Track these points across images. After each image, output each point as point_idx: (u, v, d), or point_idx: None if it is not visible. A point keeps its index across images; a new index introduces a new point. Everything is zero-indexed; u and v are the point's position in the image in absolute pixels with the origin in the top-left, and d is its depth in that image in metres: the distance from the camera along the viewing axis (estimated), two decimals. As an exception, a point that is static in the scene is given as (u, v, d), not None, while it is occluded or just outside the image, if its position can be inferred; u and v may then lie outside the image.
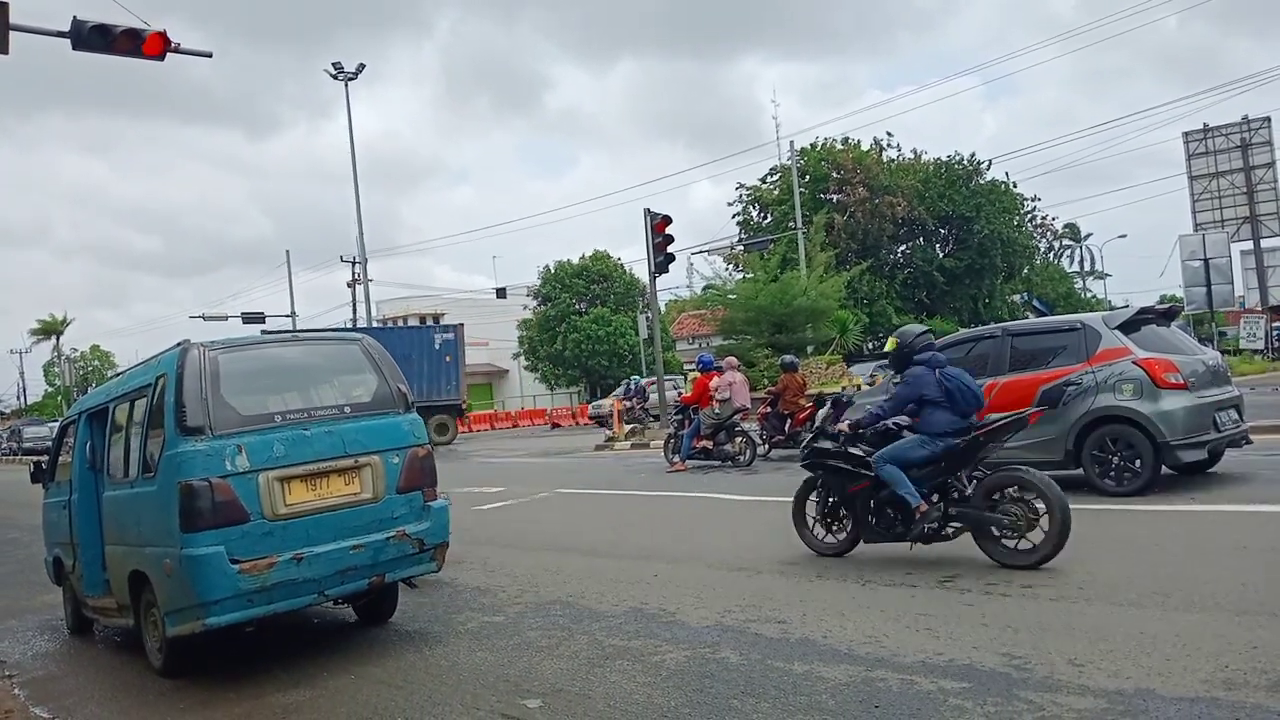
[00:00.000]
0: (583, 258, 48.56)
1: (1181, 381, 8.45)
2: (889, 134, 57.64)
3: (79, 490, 7.09)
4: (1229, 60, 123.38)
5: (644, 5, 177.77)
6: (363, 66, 39.18)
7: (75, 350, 79.91)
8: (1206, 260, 23.03)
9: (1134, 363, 8.50)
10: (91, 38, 10.69)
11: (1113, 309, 18.93)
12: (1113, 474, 8.48)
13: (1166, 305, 10.20)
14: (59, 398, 71.17)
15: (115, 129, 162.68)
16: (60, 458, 7.97)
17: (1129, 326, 8.93)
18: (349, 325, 43.70)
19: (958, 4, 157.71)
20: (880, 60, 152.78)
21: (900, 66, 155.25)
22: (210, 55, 12.18)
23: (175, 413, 5.40)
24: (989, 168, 54.35)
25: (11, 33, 10.13)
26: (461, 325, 30.59)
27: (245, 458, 5.38)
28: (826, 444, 7.12)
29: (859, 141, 54.04)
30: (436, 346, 28.68)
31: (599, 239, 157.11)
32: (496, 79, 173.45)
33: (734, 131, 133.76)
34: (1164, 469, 8.53)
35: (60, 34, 10.65)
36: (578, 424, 38.78)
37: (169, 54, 11.13)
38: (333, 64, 38.83)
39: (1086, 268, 70.95)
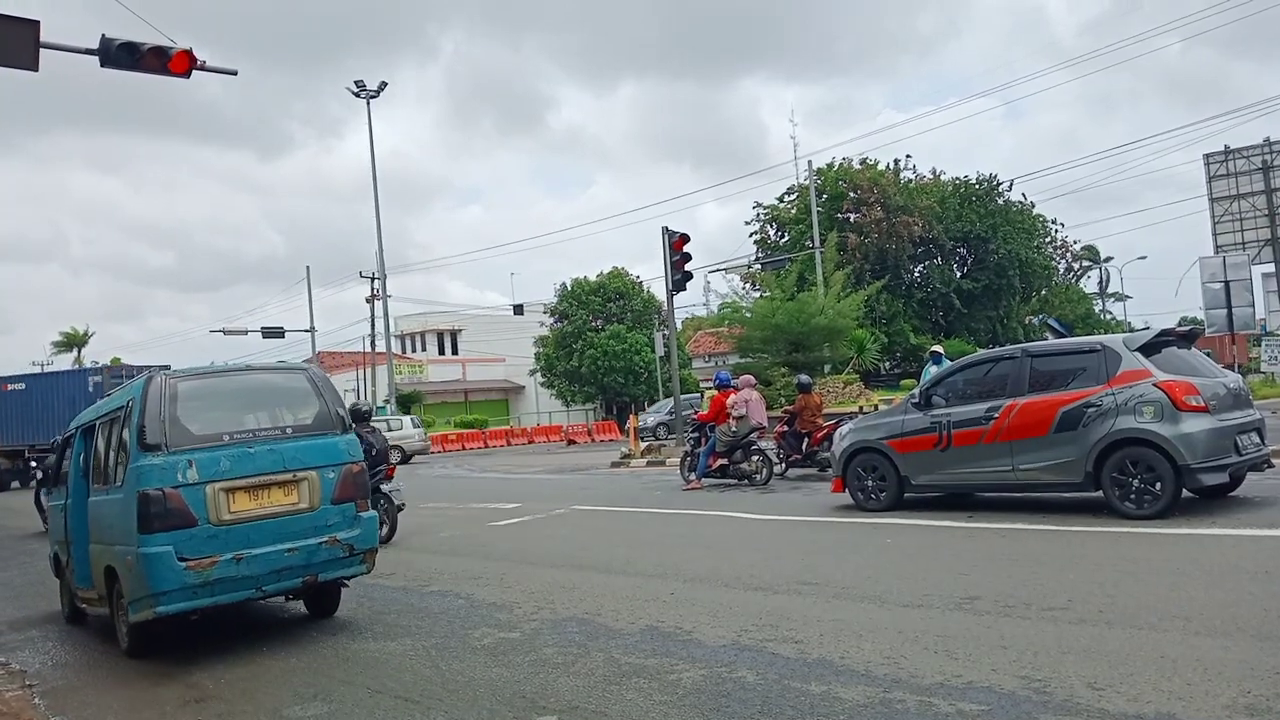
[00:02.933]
0: (600, 275, 48.72)
1: (1202, 404, 8.39)
2: (908, 156, 57.79)
3: (73, 495, 7.87)
4: (1233, 84, 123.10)
5: (644, 29, 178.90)
6: (384, 85, 39.72)
7: (96, 363, 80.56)
8: (1227, 282, 22.82)
9: (1154, 385, 8.45)
10: (119, 55, 10.86)
11: (1132, 331, 18.79)
12: (1133, 497, 8.42)
13: (1187, 328, 10.15)
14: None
15: (128, 147, 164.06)
16: None
17: (1149, 348, 8.89)
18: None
19: (958, 28, 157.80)
20: (882, 83, 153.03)
21: (902, 89, 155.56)
22: (235, 73, 12.32)
23: (137, 431, 6.31)
24: (1010, 189, 54.33)
25: (41, 50, 10.30)
26: (119, 365, 33.47)
27: (195, 471, 6.26)
28: None
29: (876, 162, 54.19)
30: (89, 389, 27.76)
31: (607, 258, 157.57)
32: (501, 100, 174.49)
33: (737, 153, 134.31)
34: (1184, 492, 8.45)
35: (89, 51, 10.82)
36: (594, 440, 38.89)
37: (193, 72, 11.28)
38: (355, 82, 39.39)
39: (1106, 289, 70.48)
